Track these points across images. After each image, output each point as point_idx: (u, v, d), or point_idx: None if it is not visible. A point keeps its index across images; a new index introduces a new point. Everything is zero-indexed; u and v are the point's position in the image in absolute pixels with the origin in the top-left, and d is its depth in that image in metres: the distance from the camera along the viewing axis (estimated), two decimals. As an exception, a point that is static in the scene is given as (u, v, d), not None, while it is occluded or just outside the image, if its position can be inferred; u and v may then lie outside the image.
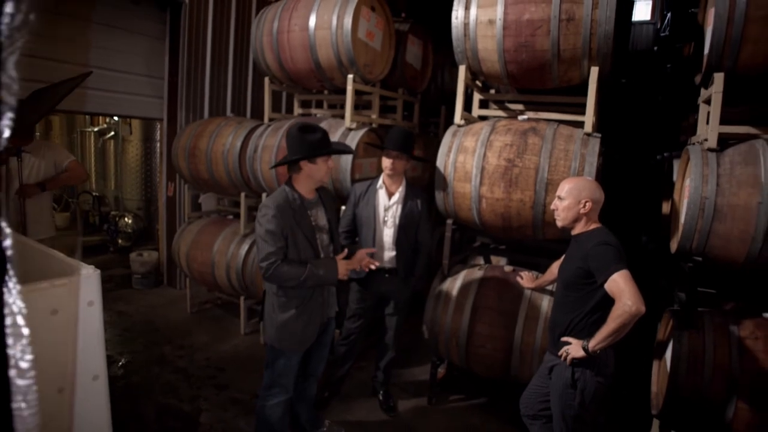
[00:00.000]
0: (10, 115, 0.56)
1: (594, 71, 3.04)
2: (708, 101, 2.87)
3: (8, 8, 0.55)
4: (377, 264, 2.73)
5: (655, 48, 7.05)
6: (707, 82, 2.99)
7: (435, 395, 3.63)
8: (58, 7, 4.58)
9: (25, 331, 0.67)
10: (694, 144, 3.07)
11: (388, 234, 3.25)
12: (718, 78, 2.73)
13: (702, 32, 3.27)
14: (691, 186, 2.67)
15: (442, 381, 3.78)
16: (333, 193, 3.67)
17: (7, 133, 0.55)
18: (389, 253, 3.27)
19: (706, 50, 2.86)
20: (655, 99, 6.37)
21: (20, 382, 0.63)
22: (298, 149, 2.51)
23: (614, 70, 3.38)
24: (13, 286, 0.64)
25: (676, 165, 3.31)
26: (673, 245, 2.99)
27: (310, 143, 2.49)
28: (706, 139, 2.80)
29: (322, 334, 2.79)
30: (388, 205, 3.24)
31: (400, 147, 3.14)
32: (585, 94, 3.11)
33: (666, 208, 3.69)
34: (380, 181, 3.28)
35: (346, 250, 2.68)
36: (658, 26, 7.03)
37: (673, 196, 3.28)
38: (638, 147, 6.35)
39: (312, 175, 2.56)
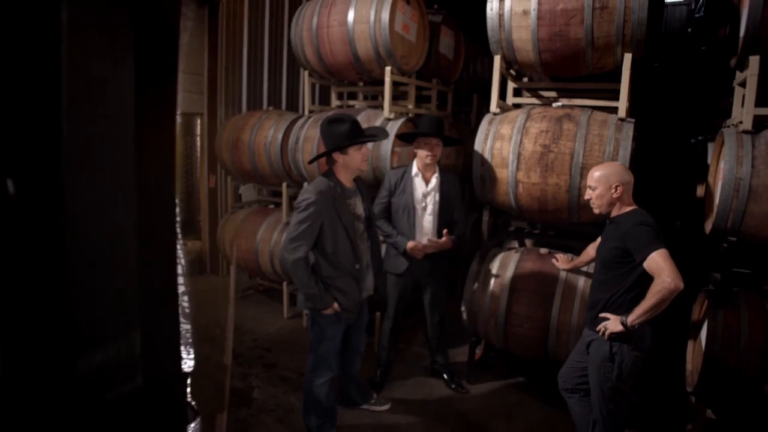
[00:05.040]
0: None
1: (627, 58, 3.11)
2: (743, 84, 2.91)
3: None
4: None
5: (689, 30, 6.94)
6: (743, 65, 3.02)
7: (473, 375, 3.78)
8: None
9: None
10: (728, 127, 3.11)
11: (428, 220, 3.39)
12: (754, 61, 2.76)
13: (738, 14, 3.28)
14: (725, 168, 2.73)
15: (480, 361, 3.92)
16: (372, 181, 3.84)
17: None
18: (432, 239, 3.42)
19: (742, 32, 2.90)
20: (689, 82, 6.30)
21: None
22: (328, 141, 2.63)
23: (647, 55, 3.42)
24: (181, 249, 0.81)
25: (711, 148, 3.35)
26: (708, 226, 3.06)
27: (339, 135, 2.58)
28: (741, 122, 2.85)
29: (359, 314, 2.96)
30: (426, 191, 3.37)
31: (437, 132, 3.28)
32: (618, 80, 3.18)
33: (700, 191, 3.73)
34: (415, 169, 3.40)
35: None
36: (693, 7, 6.91)
37: (707, 179, 3.32)
38: (672, 131, 6.30)
39: (347, 165, 2.67)
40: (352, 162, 2.66)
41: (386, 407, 3.35)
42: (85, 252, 0.57)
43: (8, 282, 0.52)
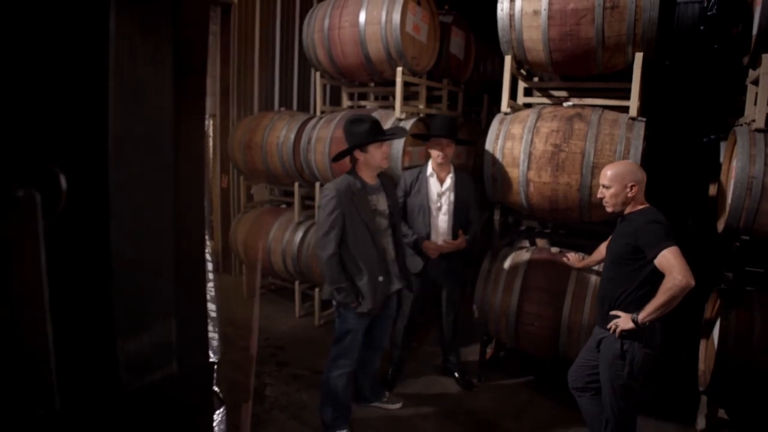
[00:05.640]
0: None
1: (638, 57, 3.11)
2: (756, 82, 2.90)
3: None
4: None
5: (702, 28, 6.89)
6: (755, 63, 3.01)
7: (484, 373, 3.79)
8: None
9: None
10: (741, 125, 3.11)
11: (443, 220, 3.43)
12: (766, 59, 2.76)
13: (750, 12, 3.27)
14: (738, 166, 2.73)
15: (490, 360, 3.94)
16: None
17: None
18: (447, 239, 3.45)
19: (755, 30, 2.89)
20: (702, 80, 6.26)
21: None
22: (349, 140, 2.76)
23: (659, 53, 3.42)
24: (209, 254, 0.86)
25: (723, 147, 3.34)
26: (720, 225, 3.05)
27: (359, 134, 2.71)
28: (753, 120, 2.84)
29: (384, 308, 3.00)
30: (441, 191, 3.41)
31: (449, 133, 3.31)
32: (629, 79, 3.18)
33: (713, 189, 3.72)
34: (429, 169, 3.44)
35: None
36: (705, 5, 6.86)
37: (720, 178, 3.32)
38: (684, 129, 6.26)
39: (368, 163, 2.78)
40: (373, 160, 2.77)
41: (397, 406, 3.37)
42: (128, 245, 0.61)
43: (59, 272, 0.56)
